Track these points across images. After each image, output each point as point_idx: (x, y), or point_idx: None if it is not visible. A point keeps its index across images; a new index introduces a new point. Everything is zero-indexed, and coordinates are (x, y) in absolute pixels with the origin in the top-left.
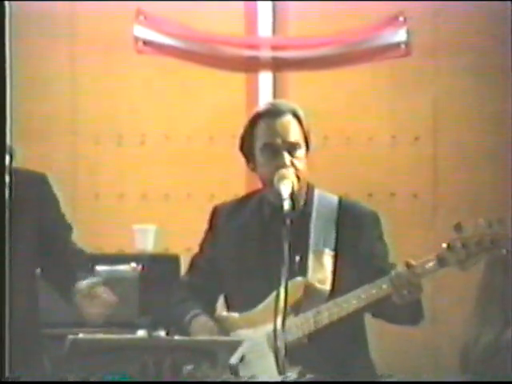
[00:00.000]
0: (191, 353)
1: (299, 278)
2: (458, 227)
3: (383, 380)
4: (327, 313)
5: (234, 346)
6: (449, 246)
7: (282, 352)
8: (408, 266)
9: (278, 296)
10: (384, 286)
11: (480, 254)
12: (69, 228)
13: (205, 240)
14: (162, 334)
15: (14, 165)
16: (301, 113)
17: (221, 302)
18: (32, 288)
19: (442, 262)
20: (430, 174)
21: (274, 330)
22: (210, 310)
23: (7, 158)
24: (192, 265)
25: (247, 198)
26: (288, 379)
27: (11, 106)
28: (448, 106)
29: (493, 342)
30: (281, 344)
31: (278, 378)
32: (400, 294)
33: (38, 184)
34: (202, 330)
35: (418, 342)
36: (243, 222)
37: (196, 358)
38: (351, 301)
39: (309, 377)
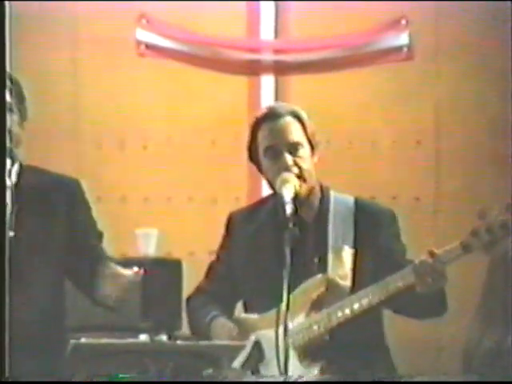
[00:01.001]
0: (193, 357)
1: (322, 275)
2: (481, 213)
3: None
4: (349, 307)
5: (237, 350)
6: (473, 231)
7: (284, 355)
8: (431, 254)
9: (288, 299)
10: (407, 276)
11: (505, 237)
12: (98, 235)
13: (221, 247)
14: (164, 338)
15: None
16: (302, 113)
17: (239, 305)
18: (60, 291)
19: (466, 247)
20: (431, 178)
21: (276, 333)
22: (229, 315)
23: (8, 161)
24: (210, 271)
25: (261, 203)
26: (290, 379)
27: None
28: (450, 109)
29: (495, 345)
30: (282, 346)
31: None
32: (424, 283)
33: (70, 188)
34: (222, 331)
35: (421, 343)
36: (258, 226)
37: (198, 362)
38: (374, 293)
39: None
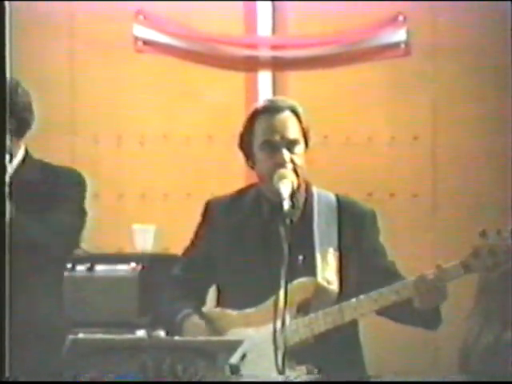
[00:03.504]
0: (191, 353)
1: (309, 278)
2: (483, 234)
3: (376, 380)
4: (341, 314)
5: (234, 346)
6: (475, 252)
7: (281, 352)
8: (437, 268)
9: (277, 297)
10: (404, 291)
11: (508, 262)
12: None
13: (197, 235)
14: (162, 334)
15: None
16: (300, 109)
17: (210, 297)
18: (58, 288)
19: (467, 268)
20: (429, 175)
21: (274, 331)
22: (201, 305)
23: (7, 157)
24: (184, 260)
25: (242, 193)
26: (288, 379)
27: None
28: (447, 106)
29: (493, 342)
30: (280, 345)
31: (278, 378)
32: (423, 299)
33: (69, 180)
34: (194, 330)
35: (418, 342)
36: (241, 217)
37: (195, 358)
38: (367, 304)
39: (312, 376)
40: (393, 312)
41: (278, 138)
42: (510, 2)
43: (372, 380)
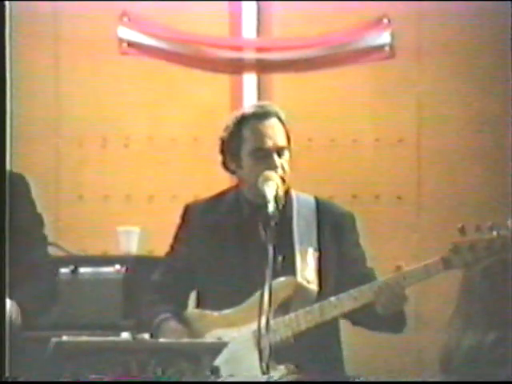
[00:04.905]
0: (175, 355)
1: (289, 277)
2: (462, 230)
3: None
4: (321, 312)
5: (218, 348)
6: (455, 248)
7: (266, 352)
8: (396, 272)
9: (261, 297)
10: (376, 289)
11: (489, 257)
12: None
13: (176, 239)
14: (146, 336)
15: None
16: (283, 115)
17: (191, 299)
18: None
19: (447, 263)
20: (413, 176)
21: (259, 331)
22: (182, 309)
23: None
24: (164, 264)
25: (220, 195)
26: (272, 379)
27: None
28: (432, 108)
29: (475, 345)
30: (264, 344)
31: (262, 378)
32: (383, 305)
33: (15, 184)
34: (172, 335)
35: (401, 344)
36: (219, 219)
37: (180, 360)
38: (348, 301)
39: (294, 376)
40: (359, 315)
41: (270, 144)
42: (509, 2)
43: (362, 380)
